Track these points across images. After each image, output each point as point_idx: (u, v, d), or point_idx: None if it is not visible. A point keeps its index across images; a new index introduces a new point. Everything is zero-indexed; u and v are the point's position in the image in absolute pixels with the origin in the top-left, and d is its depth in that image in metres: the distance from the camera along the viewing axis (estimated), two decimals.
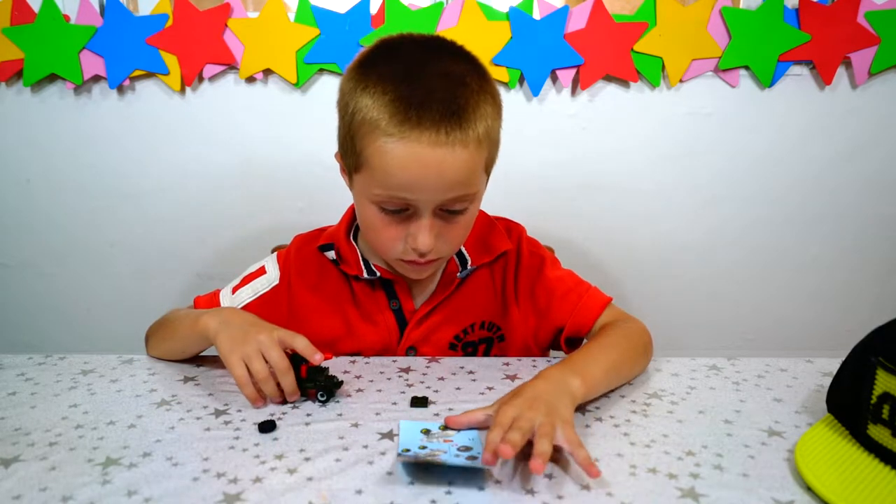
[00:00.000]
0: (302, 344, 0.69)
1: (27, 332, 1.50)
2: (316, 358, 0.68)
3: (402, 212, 0.73)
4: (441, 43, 0.75)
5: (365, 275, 0.85)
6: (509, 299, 0.89)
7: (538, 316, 0.88)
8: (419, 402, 0.70)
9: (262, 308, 0.86)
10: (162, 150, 1.38)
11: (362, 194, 0.75)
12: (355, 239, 0.89)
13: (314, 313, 0.88)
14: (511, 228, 0.92)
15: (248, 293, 0.89)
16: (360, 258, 0.86)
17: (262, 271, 0.90)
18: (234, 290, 0.89)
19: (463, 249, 0.86)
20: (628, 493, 0.54)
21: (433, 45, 0.74)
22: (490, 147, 0.74)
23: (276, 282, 0.89)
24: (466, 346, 0.89)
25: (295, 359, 0.70)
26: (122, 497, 0.54)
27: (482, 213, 0.90)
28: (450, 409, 0.69)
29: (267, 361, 0.68)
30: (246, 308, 0.86)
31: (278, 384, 0.69)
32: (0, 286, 1.47)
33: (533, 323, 0.89)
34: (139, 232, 1.42)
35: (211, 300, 0.90)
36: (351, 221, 0.89)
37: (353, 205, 0.84)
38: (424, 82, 0.68)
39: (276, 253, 0.94)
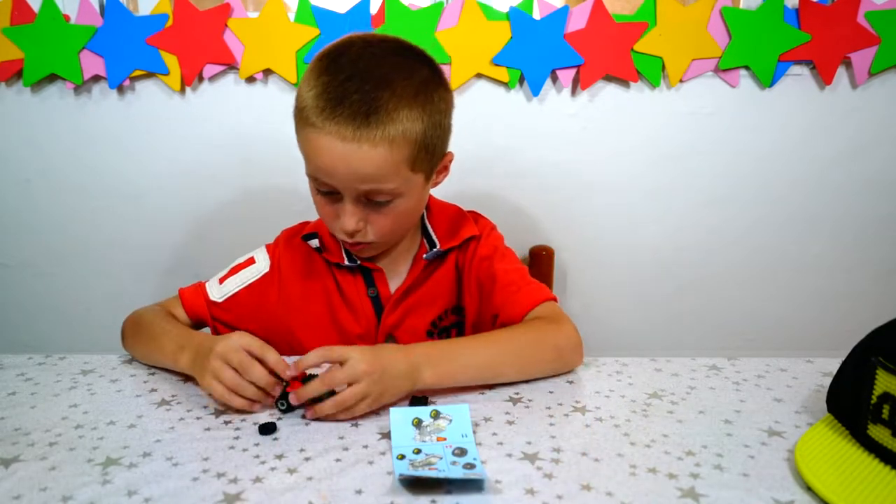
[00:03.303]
0: (273, 358, 0.69)
1: (27, 332, 1.50)
2: (287, 374, 0.68)
3: (333, 193, 0.79)
4: (392, 46, 0.79)
5: (346, 262, 0.89)
6: (465, 284, 0.92)
7: (481, 302, 0.91)
8: (419, 401, 0.70)
9: (251, 296, 0.91)
10: (162, 150, 1.38)
11: (308, 176, 0.82)
12: None
13: (301, 300, 0.91)
14: (479, 220, 0.96)
15: (237, 283, 0.91)
16: (342, 246, 0.89)
17: (251, 261, 0.93)
18: (222, 280, 0.92)
19: (433, 235, 0.91)
20: (628, 493, 0.54)
21: (383, 48, 0.79)
22: (411, 148, 0.76)
23: (267, 270, 0.92)
24: (442, 331, 0.92)
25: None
26: (122, 497, 0.54)
27: (457, 207, 0.96)
28: None
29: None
30: (235, 297, 0.90)
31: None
32: (0, 286, 1.47)
33: (476, 309, 0.92)
34: (139, 232, 1.42)
35: (195, 292, 0.92)
36: None
37: None
38: (352, 80, 0.74)
39: (264, 245, 0.96)
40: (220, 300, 0.91)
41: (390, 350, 0.71)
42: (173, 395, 0.73)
